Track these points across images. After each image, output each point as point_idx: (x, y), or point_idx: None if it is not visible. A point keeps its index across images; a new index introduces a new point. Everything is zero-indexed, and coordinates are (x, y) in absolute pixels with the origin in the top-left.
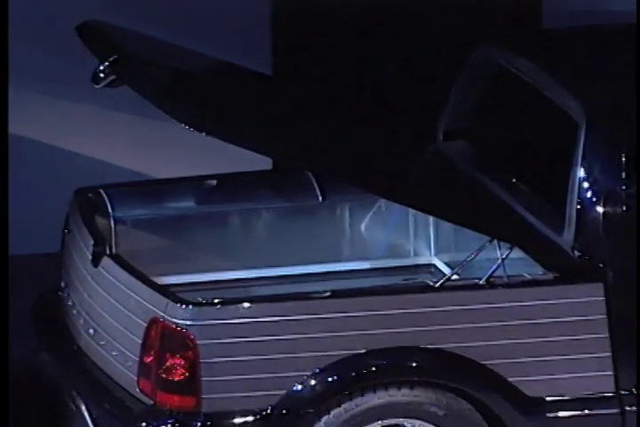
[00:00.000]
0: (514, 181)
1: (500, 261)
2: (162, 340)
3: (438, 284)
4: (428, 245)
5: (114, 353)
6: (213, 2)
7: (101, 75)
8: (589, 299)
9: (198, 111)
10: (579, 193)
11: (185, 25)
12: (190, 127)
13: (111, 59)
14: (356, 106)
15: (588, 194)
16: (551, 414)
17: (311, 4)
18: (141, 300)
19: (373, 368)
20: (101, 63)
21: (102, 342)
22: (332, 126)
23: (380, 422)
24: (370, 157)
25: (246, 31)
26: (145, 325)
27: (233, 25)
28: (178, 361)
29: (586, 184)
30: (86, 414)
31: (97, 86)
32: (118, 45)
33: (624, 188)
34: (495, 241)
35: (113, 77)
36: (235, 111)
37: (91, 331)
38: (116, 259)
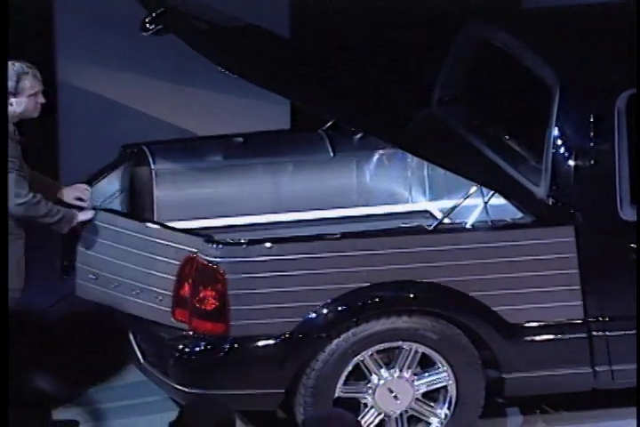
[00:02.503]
0: (505, 138)
1: (482, 205)
2: (196, 274)
3: (432, 227)
4: (424, 194)
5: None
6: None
7: (149, 25)
8: (562, 239)
9: (231, 56)
10: (554, 149)
11: None
12: (225, 70)
13: (159, 11)
14: (367, 71)
15: (562, 150)
16: (529, 338)
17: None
18: (175, 243)
19: (377, 299)
20: (150, 14)
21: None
22: (343, 83)
23: (382, 344)
24: (377, 112)
25: (265, 6)
26: (179, 263)
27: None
28: (210, 293)
29: (559, 141)
30: (132, 338)
31: (145, 34)
32: (164, 0)
33: (592, 144)
34: (480, 189)
35: (160, 27)
36: (262, 58)
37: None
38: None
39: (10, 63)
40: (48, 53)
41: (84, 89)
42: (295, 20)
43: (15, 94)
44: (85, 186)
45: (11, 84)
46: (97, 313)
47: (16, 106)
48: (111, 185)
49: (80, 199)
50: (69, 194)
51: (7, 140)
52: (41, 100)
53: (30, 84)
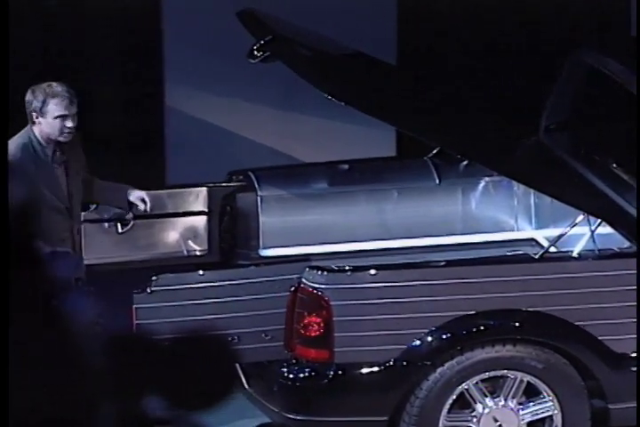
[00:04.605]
0: (612, 166)
1: (589, 234)
2: (301, 301)
3: (538, 255)
4: (530, 222)
5: None
6: (344, 9)
7: (257, 52)
8: None
9: (338, 83)
10: None
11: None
12: (331, 97)
13: (267, 38)
14: (473, 98)
15: None
16: (635, 368)
17: (435, 8)
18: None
19: (482, 327)
20: (258, 42)
21: None
22: (450, 111)
23: (486, 373)
24: (484, 139)
25: (373, 34)
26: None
27: (361, 28)
28: (314, 319)
29: None
30: (238, 367)
31: (252, 61)
32: (272, 28)
33: None
34: (587, 217)
35: (267, 54)
36: (369, 85)
37: None
38: None
39: (46, 84)
40: (157, 80)
41: (191, 115)
42: (402, 48)
43: (41, 115)
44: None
45: (36, 104)
46: (201, 337)
47: (43, 126)
48: None
49: (142, 200)
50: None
51: (7, 141)
52: (68, 124)
53: (56, 107)
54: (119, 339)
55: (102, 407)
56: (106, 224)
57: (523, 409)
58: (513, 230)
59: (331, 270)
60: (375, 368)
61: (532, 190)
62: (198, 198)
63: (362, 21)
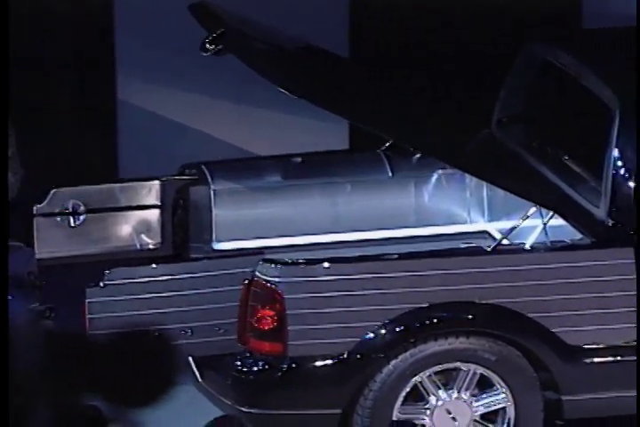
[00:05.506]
0: (564, 158)
1: (541, 226)
2: (254, 294)
3: (490, 248)
4: (483, 214)
5: None
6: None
7: (209, 45)
8: (621, 261)
9: (290, 77)
10: (614, 170)
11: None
12: (284, 90)
13: (219, 31)
14: (425, 91)
15: (622, 171)
16: (588, 360)
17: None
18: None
19: (435, 320)
20: (210, 35)
21: None
22: (403, 104)
23: (440, 365)
24: (436, 132)
25: (324, 25)
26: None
27: (311, 20)
28: (267, 313)
29: (620, 162)
30: (191, 360)
31: (205, 54)
32: (225, 20)
33: None
34: (539, 210)
35: (219, 47)
36: (321, 78)
37: None
38: None
39: None
40: (109, 74)
41: (143, 109)
42: (354, 40)
43: None
44: None
45: None
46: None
47: None
48: None
49: None
50: None
51: (7, 140)
52: None
53: None
54: (70, 334)
55: (47, 405)
56: (58, 218)
57: (476, 401)
58: (465, 223)
59: (284, 263)
60: (329, 361)
61: (484, 183)
62: (151, 192)
63: (313, 14)
